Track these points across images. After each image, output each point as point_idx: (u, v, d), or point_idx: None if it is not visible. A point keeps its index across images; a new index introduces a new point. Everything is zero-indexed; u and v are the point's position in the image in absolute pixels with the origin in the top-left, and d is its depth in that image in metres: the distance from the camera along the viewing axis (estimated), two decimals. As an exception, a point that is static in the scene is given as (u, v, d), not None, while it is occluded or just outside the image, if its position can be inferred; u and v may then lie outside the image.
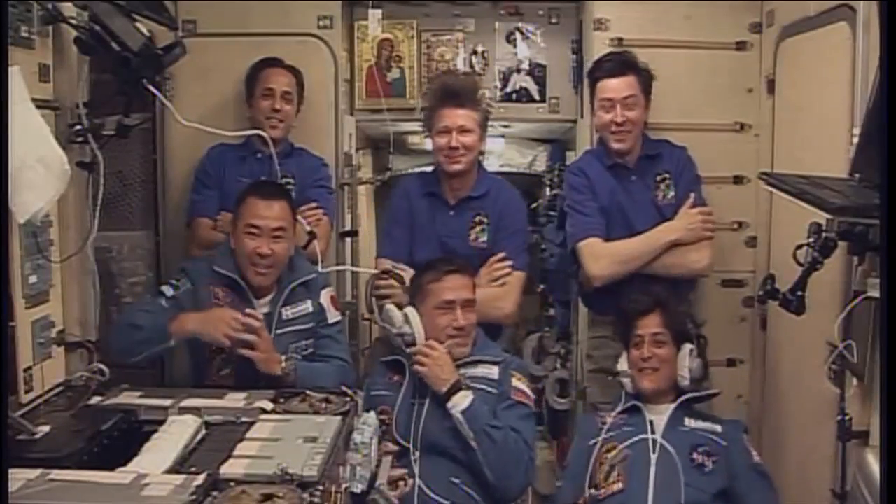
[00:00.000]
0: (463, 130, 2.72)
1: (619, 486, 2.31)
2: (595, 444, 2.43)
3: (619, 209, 2.82)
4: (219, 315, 2.27)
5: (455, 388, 2.30)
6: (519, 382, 2.42)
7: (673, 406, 2.42)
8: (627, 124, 2.75)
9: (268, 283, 2.43)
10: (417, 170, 4.19)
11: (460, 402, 2.29)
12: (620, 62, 2.78)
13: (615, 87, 2.76)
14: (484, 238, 2.79)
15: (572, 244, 2.85)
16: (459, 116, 2.73)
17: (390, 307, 2.47)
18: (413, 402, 2.37)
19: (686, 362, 2.43)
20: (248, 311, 2.32)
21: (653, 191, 2.83)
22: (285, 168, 2.79)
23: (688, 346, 2.46)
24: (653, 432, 2.37)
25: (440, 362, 2.34)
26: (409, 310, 2.42)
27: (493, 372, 2.42)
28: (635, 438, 2.37)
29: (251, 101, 2.87)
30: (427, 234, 2.81)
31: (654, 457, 2.32)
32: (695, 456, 2.31)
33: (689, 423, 2.40)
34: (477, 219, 2.81)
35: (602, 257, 2.76)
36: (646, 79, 2.79)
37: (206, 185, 2.86)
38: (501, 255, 2.76)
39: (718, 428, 2.39)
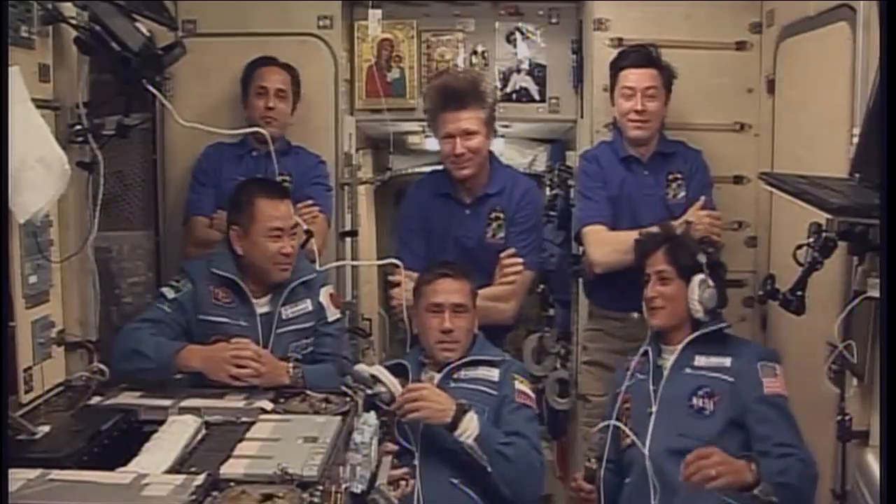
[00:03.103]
0: (467, 134, 2.67)
1: (628, 440, 2.28)
2: (618, 393, 2.40)
3: (627, 201, 2.82)
4: (219, 356, 2.20)
5: (459, 413, 2.20)
6: (521, 385, 2.41)
7: (680, 347, 2.33)
8: (647, 114, 2.77)
9: (287, 277, 2.42)
10: (418, 169, 4.21)
11: (469, 428, 2.20)
12: (645, 55, 2.80)
13: (638, 76, 2.77)
14: (501, 234, 2.78)
15: (578, 228, 2.86)
16: (462, 120, 2.67)
17: (359, 367, 2.29)
18: None
19: (696, 295, 2.32)
20: (236, 342, 2.25)
21: (664, 188, 2.84)
22: (282, 166, 2.78)
23: (697, 278, 2.33)
24: (662, 378, 2.31)
25: (432, 398, 2.23)
26: (377, 368, 2.27)
27: (494, 374, 2.41)
28: (638, 390, 2.33)
29: (246, 100, 2.87)
30: (442, 236, 2.78)
31: (654, 408, 2.27)
32: (694, 401, 2.23)
33: (700, 360, 2.30)
34: (493, 215, 2.78)
35: (606, 244, 2.75)
36: (667, 75, 2.81)
37: (202, 183, 2.86)
38: (511, 251, 2.73)
39: (728, 362, 2.27)
